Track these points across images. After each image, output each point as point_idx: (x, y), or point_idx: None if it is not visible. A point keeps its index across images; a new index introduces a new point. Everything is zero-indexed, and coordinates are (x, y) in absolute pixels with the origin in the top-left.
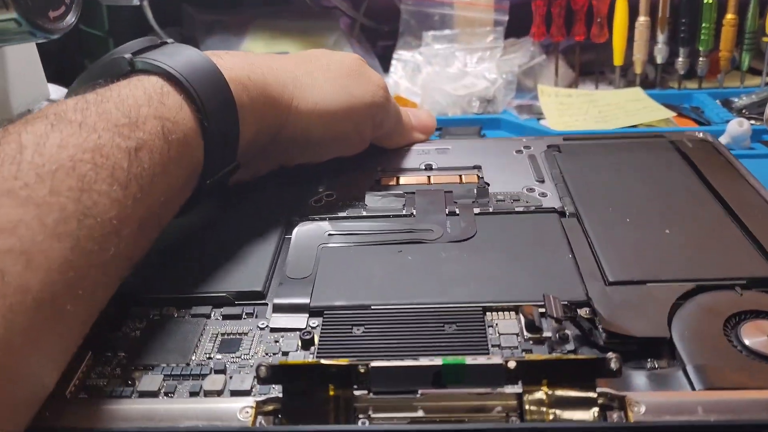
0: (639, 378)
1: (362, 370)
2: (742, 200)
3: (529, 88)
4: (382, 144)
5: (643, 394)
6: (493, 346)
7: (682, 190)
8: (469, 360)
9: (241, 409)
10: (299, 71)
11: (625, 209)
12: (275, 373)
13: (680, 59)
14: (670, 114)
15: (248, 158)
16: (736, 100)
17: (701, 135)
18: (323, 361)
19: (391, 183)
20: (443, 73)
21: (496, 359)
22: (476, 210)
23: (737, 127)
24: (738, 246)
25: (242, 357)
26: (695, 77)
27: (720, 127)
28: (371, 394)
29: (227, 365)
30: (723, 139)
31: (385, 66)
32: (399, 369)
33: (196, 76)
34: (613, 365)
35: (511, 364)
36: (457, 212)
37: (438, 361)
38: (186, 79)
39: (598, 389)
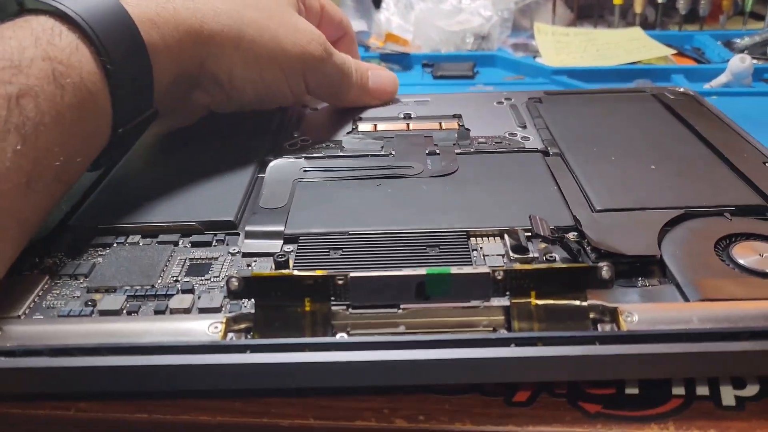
0: (630, 295)
1: (340, 282)
2: (728, 142)
3: (525, 28)
4: (326, 101)
5: (635, 306)
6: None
7: (667, 134)
8: (455, 270)
9: (210, 324)
10: (222, 5)
11: (609, 150)
12: (247, 286)
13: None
14: (670, 51)
15: (170, 103)
16: (738, 40)
17: (682, 89)
18: (298, 273)
19: (368, 130)
20: (437, 9)
21: (483, 269)
22: (457, 151)
23: (739, 63)
24: (726, 179)
25: (212, 279)
26: (696, 20)
27: (720, 65)
28: (350, 310)
29: (196, 286)
30: (723, 77)
31: (377, 2)
32: (380, 279)
33: (93, 14)
34: (605, 274)
35: (499, 274)
36: (438, 152)
37: (421, 271)
38: (81, 17)
39: (589, 301)
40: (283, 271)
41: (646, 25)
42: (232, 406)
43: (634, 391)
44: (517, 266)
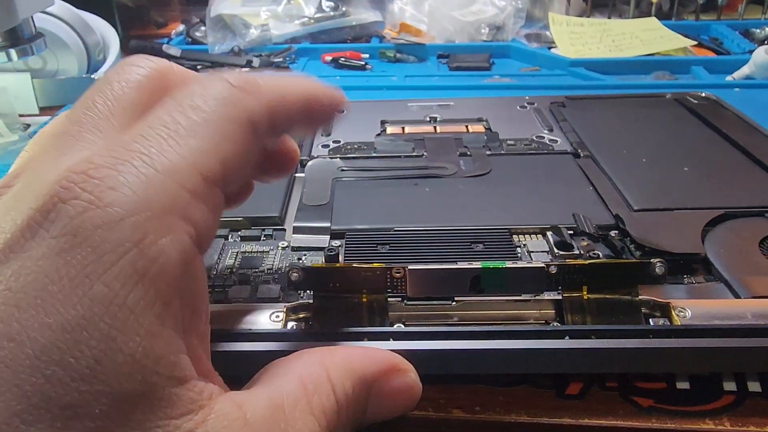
0: (678, 291)
1: (398, 274)
2: (756, 144)
3: (538, 18)
4: None
5: (687, 301)
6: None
7: (694, 137)
8: (509, 264)
9: (271, 314)
10: None
11: (639, 152)
12: (308, 277)
13: None
14: (689, 43)
15: None
16: (758, 30)
17: (704, 94)
18: (357, 265)
19: (397, 132)
20: None
21: (538, 263)
22: (488, 152)
23: (764, 54)
24: (761, 179)
25: (265, 271)
26: (713, 10)
27: (740, 56)
28: (405, 302)
29: (252, 277)
30: (746, 69)
31: None
32: (436, 272)
33: None
34: (659, 270)
35: (553, 269)
36: (469, 153)
37: (477, 264)
38: None
39: (641, 296)
40: (341, 263)
41: (660, 15)
42: None
43: (685, 386)
44: (571, 261)
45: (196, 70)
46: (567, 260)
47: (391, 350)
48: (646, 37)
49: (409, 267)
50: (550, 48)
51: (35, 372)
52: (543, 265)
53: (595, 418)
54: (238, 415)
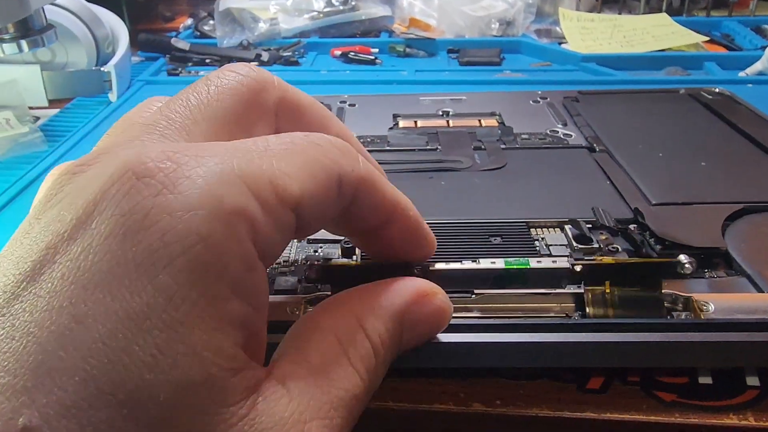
0: (700, 285)
1: (418, 274)
2: None
3: (548, 13)
4: None
5: (710, 295)
6: (542, 255)
7: (710, 132)
8: (534, 263)
9: (289, 303)
10: None
11: (654, 147)
12: (325, 275)
13: None
14: (701, 38)
15: None
16: None
17: (718, 89)
18: (377, 263)
19: (409, 126)
20: None
21: (563, 262)
22: (503, 146)
23: None
24: None
25: (281, 263)
26: (724, 6)
27: (753, 53)
28: None
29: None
30: (759, 65)
31: None
32: (458, 272)
33: None
34: (688, 268)
35: (578, 267)
36: (484, 147)
37: (500, 263)
38: None
39: (664, 290)
40: (355, 261)
41: (671, 11)
42: None
43: (707, 380)
44: (597, 260)
45: (205, 64)
46: (592, 258)
47: None
48: (658, 32)
49: (430, 267)
50: (560, 43)
51: (103, 357)
52: (568, 265)
53: (617, 413)
54: (282, 393)
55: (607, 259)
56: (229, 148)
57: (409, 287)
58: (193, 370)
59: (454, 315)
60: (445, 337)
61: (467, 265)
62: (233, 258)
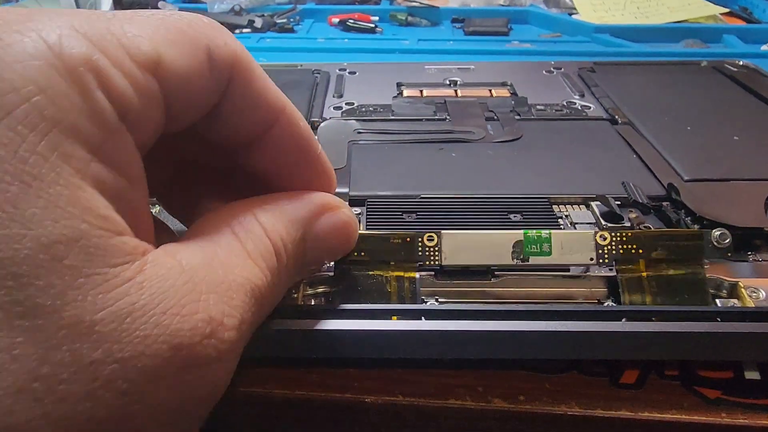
0: (744, 269)
1: (431, 242)
2: None
3: None
4: None
5: (759, 281)
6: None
7: (738, 105)
8: (555, 232)
9: None
10: None
11: (681, 119)
12: None
13: None
14: (718, 10)
15: None
16: None
17: (742, 63)
18: (385, 232)
19: (414, 95)
20: None
21: (586, 231)
22: (517, 117)
23: None
24: None
25: None
26: None
27: None
28: (438, 277)
29: None
30: None
31: None
32: (474, 239)
33: None
34: (720, 239)
35: (603, 238)
36: (497, 117)
37: (518, 233)
38: None
39: (707, 274)
40: (367, 231)
41: None
42: (308, 378)
43: (755, 375)
44: (623, 231)
45: None
46: (621, 231)
47: (424, 330)
48: (673, 3)
49: (444, 232)
50: (570, 14)
51: None
52: (592, 232)
53: (656, 411)
54: (174, 264)
55: (635, 230)
56: (67, 12)
57: (313, 198)
58: (59, 226)
59: (471, 300)
60: (462, 325)
61: (483, 233)
62: (81, 113)
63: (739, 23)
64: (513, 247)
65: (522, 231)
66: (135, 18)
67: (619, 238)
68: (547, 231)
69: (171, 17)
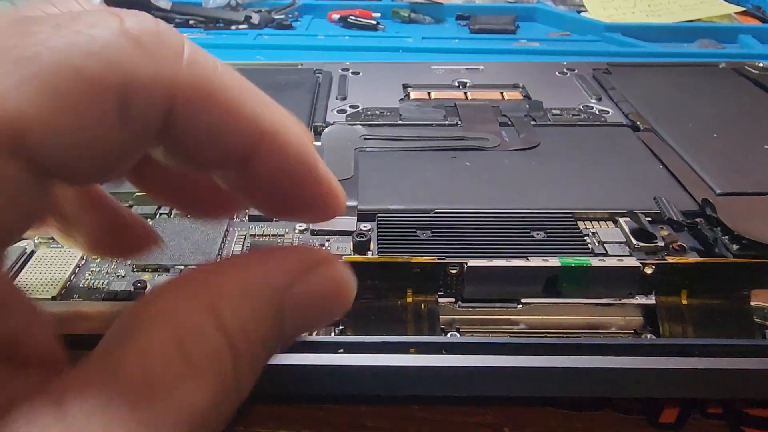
0: None
1: (454, 271)
2: None
3: None
4: None
5: None
6: (596, 254)
7: (765, 109)
8: (595, 262)
9: None
10: None
11: (706, 125)
12: None
13: None
14: (732, 9)
15: None
16: None
17: (762, 64)
18: (404, 258)
19: (422, 97)
20: None
21: (631, 261)
22: (533, 122)
23: None
24: None
25: None
26: None
27: None
28: (459, 304)
29: None
30: None
31: None
32: (504, 271)
33: None
34: None
35: (649, 269)
36: (511, 123)
37: (555, 261)
38: None
39: (753, 302)
40: (387, 256)
41: None
42: (316, 416)
43: None
44: (672, 260)
45: (189, 26)
46: (668, 258)
47: (445, 366)
48: (685, 2)
49: (469, 263)
50: (579, 11)
51: None
52: (638, 264)
53: None
54: (53, 420)
55: (684, 260)
56: None
57: (293, 259)
58: None
59: (495, 330)
60: (487, 361)
61: (514, 262)
62: None
63: (755, 22)
64: (545, 281)
65: (556, 262)
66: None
67: (665, 269)
68: (586, 263)
69: (69, 44)
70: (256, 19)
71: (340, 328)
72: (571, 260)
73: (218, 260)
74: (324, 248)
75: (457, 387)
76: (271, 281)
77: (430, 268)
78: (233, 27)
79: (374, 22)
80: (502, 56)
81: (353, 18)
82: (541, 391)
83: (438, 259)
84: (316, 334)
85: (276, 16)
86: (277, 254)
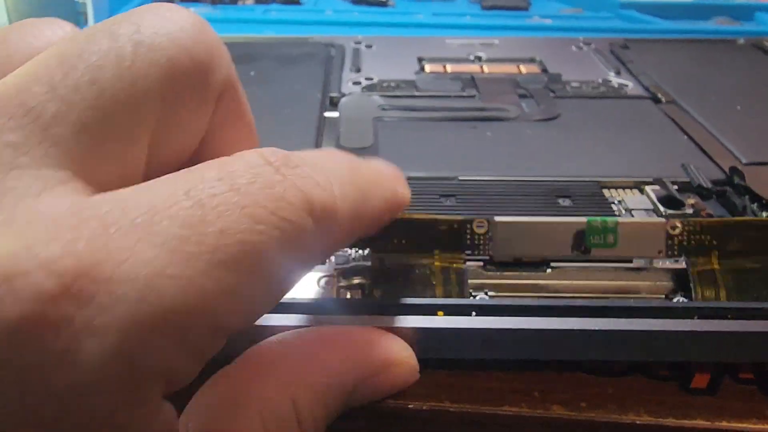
0: None
1: (481, 229)
2: None
3: None
4: None
5: None
6: None
7: None
8: (622, 220)
9: (319, 278)
10: None
11: (729, 99)
12: None
13: None
14: None
15: None
16: None
17: None
18: (430, 216)
19: (438, 70)
20: None
21: (656, 219)
22: (551, 94)
23: None
24: None
25: None
26: None
27: None
28: (487, 268)
29: None
30: None
31: None
32: (530, 226)
33: None
34: None
35: (674, 227)
36: (531, 95)
37: (578, 221)
38: None
39: None
40: (411, 214)
41: None
42: None
43: None
44: (699, 219)
45: (192, 0)
46: (696, 218)
47: (474, 329)
48: None
49: (497, 218)
50: None
51: None
52: (663, 221)
53: (735, 421)
54: None
55: (714, 219)
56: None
57: (373, 358)
58: None
59: (524, 294)
60: (517, 322)
61: (542, 218)
62: None
63: None
64: (573, 237)
65: (583, 218)
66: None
67: (690, 228)
68: (613, 220)
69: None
70: None
71: (367, 291)
72: (597, 217)
73: (294, 338)
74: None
75: (488, 350)
76: (344, 383)
77: (457, 226)
78: (240, 2)
79: None
80: (515, 32)
81: None
82: (573, 355)
83: (466, 217)
84: (347, 296)
85: None
86: (363, 351)
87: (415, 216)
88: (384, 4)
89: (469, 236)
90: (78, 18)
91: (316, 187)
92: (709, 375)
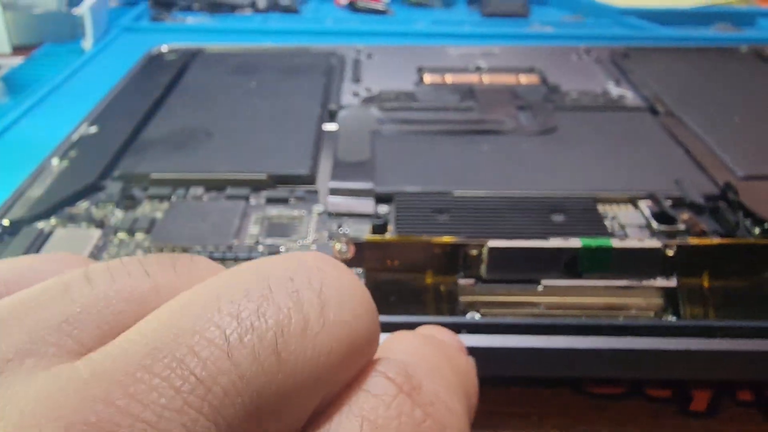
0: None
1: (474, 252)
2: None
3: None
4: None
5: None
6: (618, 237)
7: None
8: (616, 243)
9: None
10: None
11: (728, 110)
12: (359, 252)
13: None
14: None
15: None
16: None
17: None
18: (424, 238)
19: (437, 81)
20: None
21: (653, 243)
22: (550, 106)
23: None
24: None
25: (299, 243)
26: None
27: None
28: (479, 285)
29: (282, 249)
30: None
31: None
32: (523, 252)
33: None
34: None
35: (670, 250)
36: (529, 107)
37: (576, 242)
38: None
39: None
40: (407, 236)
41: None
42: None
43: None
44: (694, 241)
45: (193, 9)
46: (689, 240)
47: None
48: None
49: (490, 244)
50: None
51: None
52: (660, 245)
53: None
54: None
55: (706, 241)
56: None
57: None
58: None
59: (516, 312)
60: (508, 341)
61: (535, 243)
62: None
63: None
64: (566, 263)
65: (577, 241)
66: None
67: (687, 251)
68: (608, 243)
69: None
70: (261, 4)
71: None
72: (592, 241)
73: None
74: None
75: (480, 368)
76: None
77: (450, 249)
78: (238, 11)
79: (382, 6)
80: (515, 40)
81: (360, 2)
82: (562, 372)
83: (458, 240)
84: None
85: (281, 1)
86: None
87: (409, 239)
88: (382, 13)
89: (462, 259)
90: (76, 31)
91: (450, 416)
92: (707, 396)
